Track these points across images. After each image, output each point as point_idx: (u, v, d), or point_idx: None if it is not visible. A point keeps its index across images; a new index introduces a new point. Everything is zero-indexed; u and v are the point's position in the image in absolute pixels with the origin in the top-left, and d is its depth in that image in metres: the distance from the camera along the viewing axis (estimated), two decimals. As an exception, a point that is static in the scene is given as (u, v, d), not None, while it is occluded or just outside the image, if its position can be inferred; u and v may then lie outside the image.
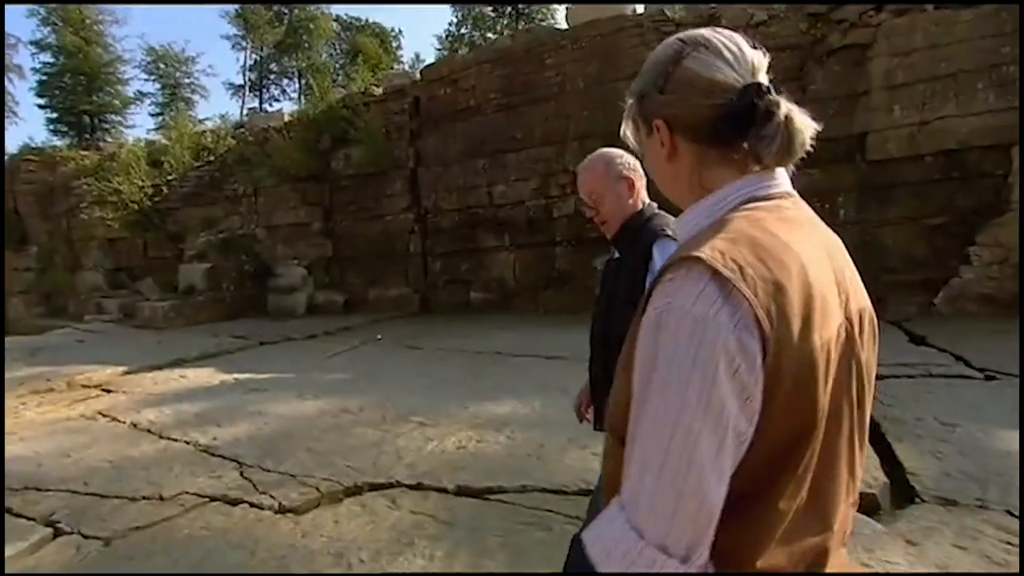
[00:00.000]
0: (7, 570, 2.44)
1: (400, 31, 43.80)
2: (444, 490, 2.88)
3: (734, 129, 0.75)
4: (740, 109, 0.74)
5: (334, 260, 10.70)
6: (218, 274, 10.16)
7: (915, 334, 5.36)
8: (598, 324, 1.75)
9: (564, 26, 8.97)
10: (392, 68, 15.69)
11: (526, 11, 20.92)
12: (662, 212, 1.68)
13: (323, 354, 6.84)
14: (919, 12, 6.01)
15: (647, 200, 1.72)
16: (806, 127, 0.76)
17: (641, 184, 1.70)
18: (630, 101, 0.86)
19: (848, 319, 0.75)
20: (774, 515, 0.70)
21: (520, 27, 13.22)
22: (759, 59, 0.79)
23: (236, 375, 5.95)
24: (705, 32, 0.79)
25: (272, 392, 5.16)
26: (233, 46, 31.54)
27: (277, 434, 3.96)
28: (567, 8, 8.63)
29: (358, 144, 9.95)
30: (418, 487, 2.93)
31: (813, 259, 0.72)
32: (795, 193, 0.80)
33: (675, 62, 0.78)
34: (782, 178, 0.79)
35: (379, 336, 7.67)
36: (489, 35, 17.82)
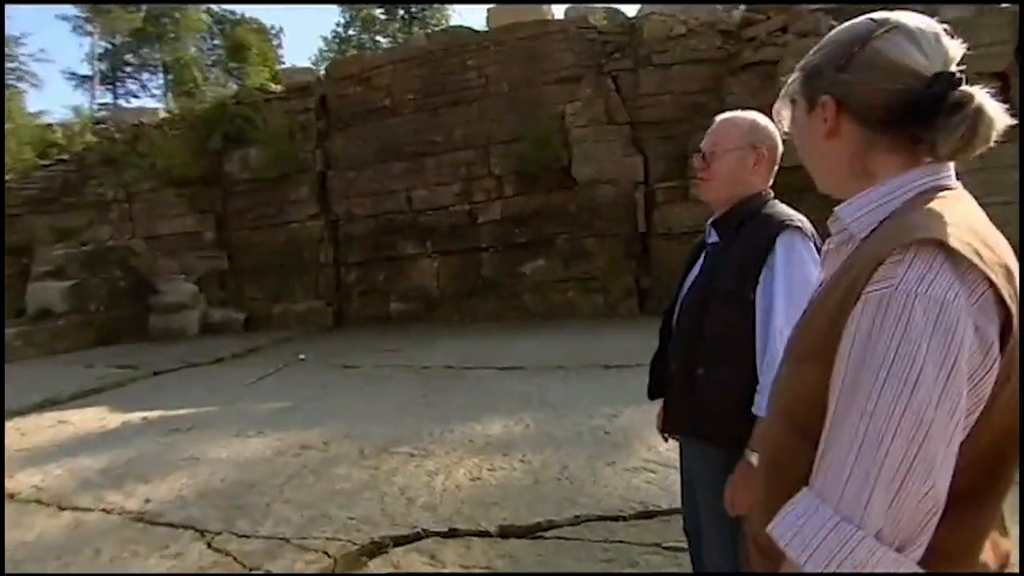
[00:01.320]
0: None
1: (281, 29, 40.92)
2: (486, 533, 2.57)
3: (914, 117, 0.73)
4: (926, 97, 0.72)
5: (230, 273, 9.55)
6: (83, 293, 8.58)
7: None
8: (686, 317, 1.53)
9: (475, 27, 8.81)
10: (282, 65, 14.44)
11: (419, 14, 20.42)
12: (782, 204, 1.52)
13: (242, 380, 6.01)
14: (815, 37, 6.65)
15: (769, 189, 1.55)
16: (995, 122, 0.71)
17: (770, 167, 1.52)
18: (793, 77, 0.85)
19: None
20: (990, 513, 0.69)
21: (415, 31, 12.84)
22: (955, 49, 0.74)
23: (141, 413, 5.00)
24: (901, 15, 0.76)
25: (199, 431, 4.39)
26: (74, 28, 27.27)
27: (235, 485, 3.34)
28: (488, 9, 8.46)
29: (257, 145, 8.97)
30: (452, 534, 2.58)
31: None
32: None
33: (863, 42, 0.75)
34: (951, 170, 0.77)
35: (302, 356, 6.93)
36: (379, 38, 17.10)
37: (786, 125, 0.89)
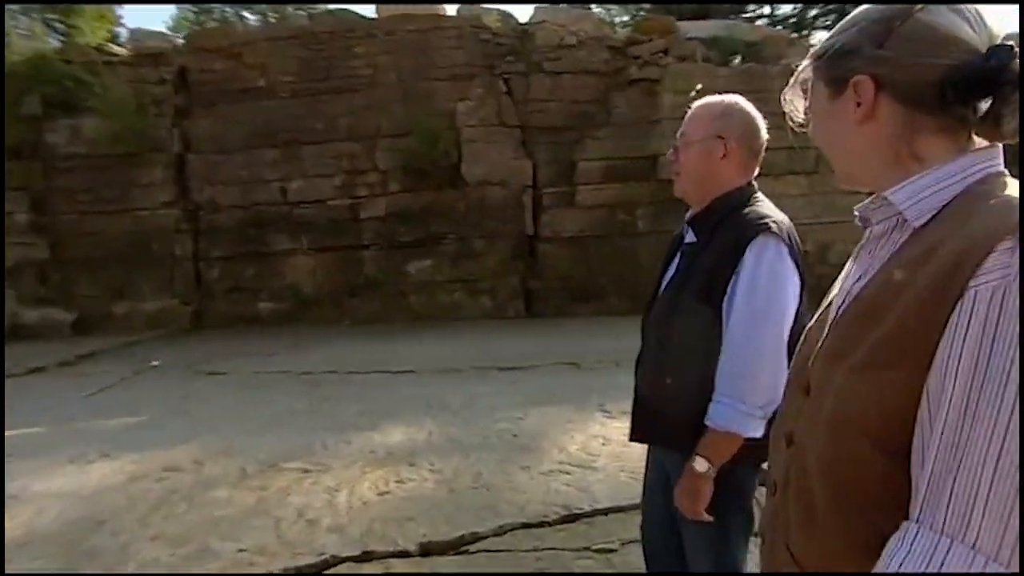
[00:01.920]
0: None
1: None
2: (405, 553, 2.35)
3: (968, 94, 0.67)
4: (985, 71, 0.65)
5: (53, 265, 8.06)
6: None
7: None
8: (655, 322, 1.47)
9: (360, 12, 8.37)
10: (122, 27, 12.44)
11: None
12: (765, 200, 1.41)
13: (77, 393, 5.06)
14: (692, 62, 7.26)
15: (753, 183, 1.44)
16: None
17: (745, 159, 1.40)
18: (809, 61, 0.79)
19: None
20: None
21: (290, 9, 11.83)
22: (996, 29, 0.70)
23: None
24: None
25: (22, 459, 3.59)
26: None
27: (78, 524, 2.75)
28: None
29: (93, 114, 7.66)
30: (367, 557, 2.34)
31: None
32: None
33: (906, 15, 0.70)
34: (1001, 154, 0.72)
35: (155, 362, 6.02)
36: (246, 14, 15.51)
37: (800, 115, 0.83)
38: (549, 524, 2.59)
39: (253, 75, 8.07)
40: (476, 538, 2.47)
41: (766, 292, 1.29)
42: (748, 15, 12.38)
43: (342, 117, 8.12)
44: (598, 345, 6.15)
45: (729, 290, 1.33)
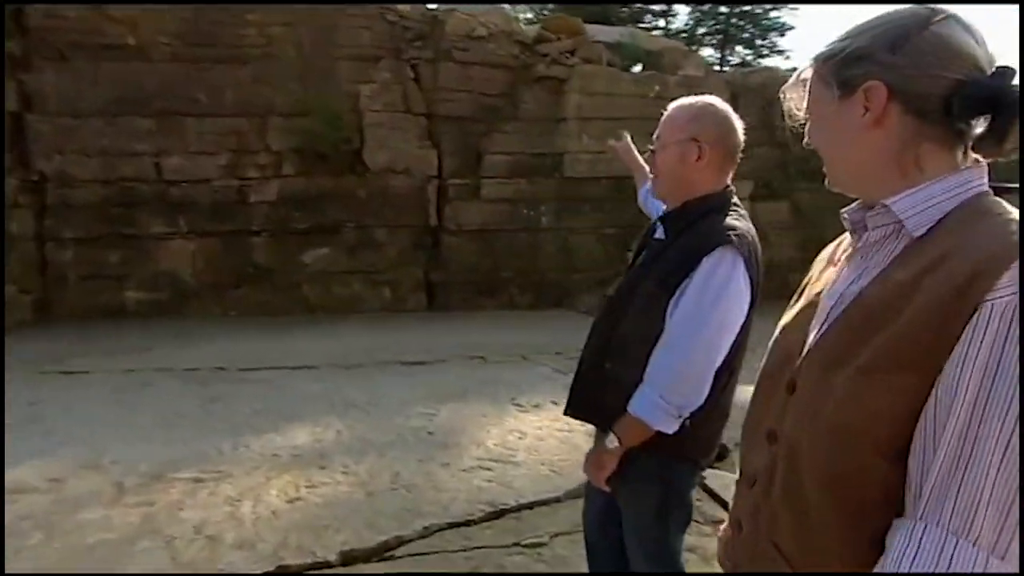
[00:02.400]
0: None
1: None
2: (326, 564, 2.20)
3: (971, 109, 0.70)
4: (990, 89, 0.69)
5: None
6: None
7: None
8: (608, 310, 1.50)
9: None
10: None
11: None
12: (740, 207, 1.44)
13: None
14: (598, 64, 7.51)
15: (730, 187, 1.46)
16: None
17: (720, 162, 1.40)
18: (807, 64, 0.81)
19: None
20: None
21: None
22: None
23: None
24: (949, 6, 0.73)
25: None
26: None
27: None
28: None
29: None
30: (283, 571, 2.15)
31: None
32: None
33: (923, 25, 0.71)
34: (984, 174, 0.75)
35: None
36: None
37: (800, 114, 0.84)
38: (476, 522, 2.55)
39: (120, 30, 7.09)
40: (401, 542, 2.37)
41: (712, 301, 1.32)
42: (645, 25, 13.09)
43: (229, 89, 7.40)
44: (504, 339, 6.19)
45: (677, 292, 1.36)
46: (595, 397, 1.48)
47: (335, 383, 4.59)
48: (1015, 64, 0.72)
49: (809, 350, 0.79)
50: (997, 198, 0.73)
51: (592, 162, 7.67)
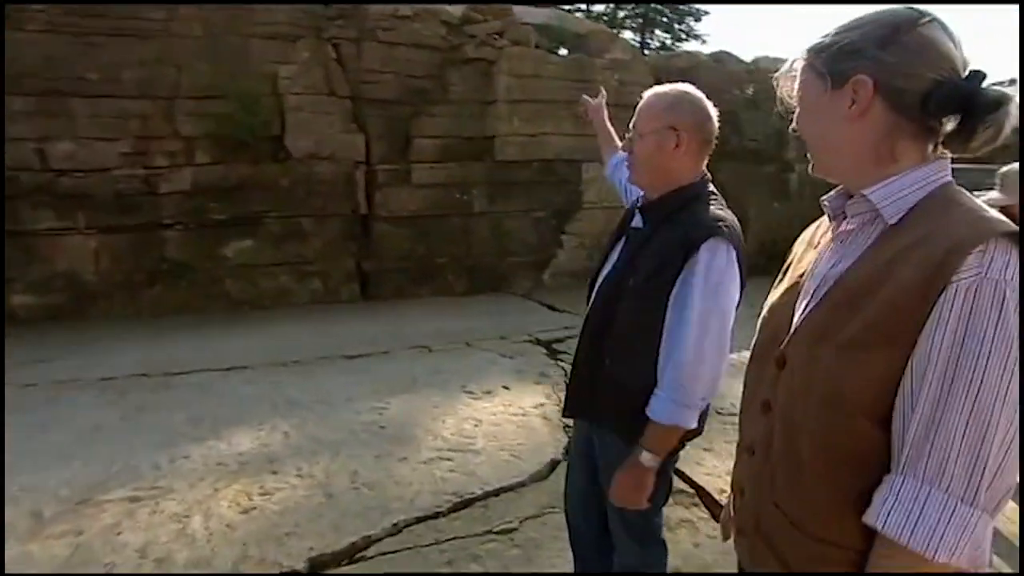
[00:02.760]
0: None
1: None
2: (295, 573, 2.10)
3: (945, 108, 0.76)
4: (963, 90, 0.75)
5: None
6: None
7: (544, 303, 6.85)
8: (599, 306, 1.50)
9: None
10: None
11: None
12: (718, 196, 1.47)
13: None
14: (527, 48, 7.48)
15: (707, 175, 1.49)
16: (1015, 125, 0.77)
17: (698, 150, 1.43)
18: (798, 56, 0.86)
19: None
20: None
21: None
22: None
23: None
24: (948, 6, 0.89)
25: None
26: None
27: None
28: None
29: None
30: (252, 586, 2.03)
31: None
32: None
33: (910, 26, 0.77)
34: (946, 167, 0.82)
35: None
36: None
37: (791, 101, 0.89)
38: (444, 514, 2.54)
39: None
40: (370, 542, 2.32)
41: (715, 294, 1.35)
42: (566, 9, 13.18)
43: (127, 68, 6.73)
44: (445, 327, 6.14)
45: (677, 288, 1.38)
46: (596, 396, 1.49)
47: (274, 382, 4.37)
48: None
49: (796, 328, 0.86)
50: (960, 187, 0.81)
51: (523, 145, 7.69)
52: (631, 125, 1.47)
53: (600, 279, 1.53)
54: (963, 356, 0.68)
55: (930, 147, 0.81)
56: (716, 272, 1.36)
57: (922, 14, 0.78)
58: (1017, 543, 1.83)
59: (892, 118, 0.78)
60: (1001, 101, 0.74)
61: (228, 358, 4.97)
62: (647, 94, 1.48)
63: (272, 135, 7.13)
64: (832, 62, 0.81)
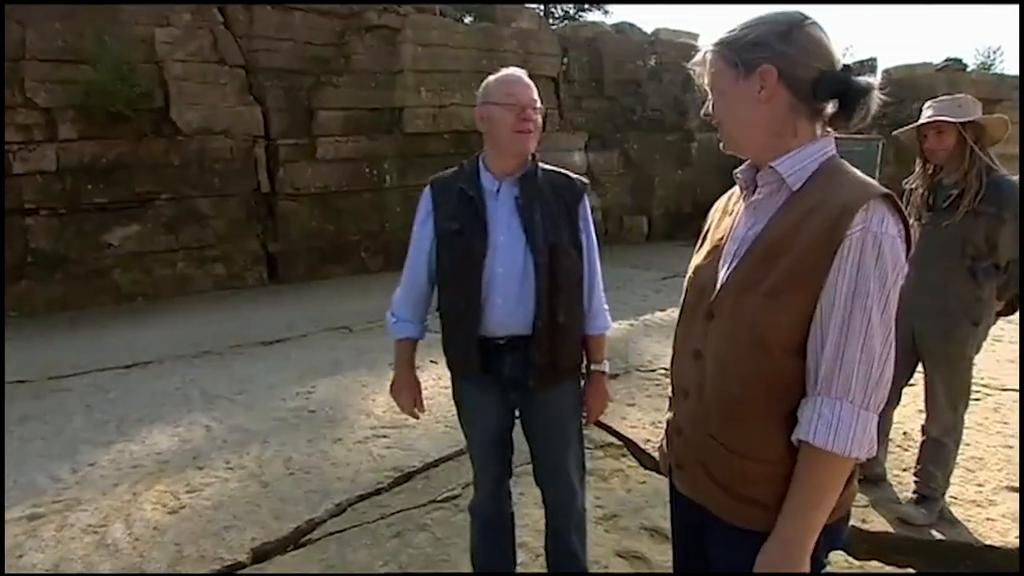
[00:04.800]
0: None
1: None
2: (239, 564, 2.06)
3: (829, 93, 0.93)
4: (841, 79, 0.92)
5: None
6: None
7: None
8: (542, 270, 1.50)
9: None
10: None
11: None
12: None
13: None
14: (431, 15, 7.28)
15: None
16: (873, 102, 0.93)
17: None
18: (725, 44, 0.97)
19: None
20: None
21: None
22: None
23: None
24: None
25: None
26: None
27: None
28: None
29: None
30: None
31: None
32: None
33: (799, 25, 0.93)
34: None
35: None
36: None
37: (701, 81, 1.02)
38: (386, 489, 2.55)
39: None
40: (314, 524, 2.29)
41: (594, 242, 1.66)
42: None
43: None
44: (363, 306, 6.00)
45: (584, 236, 1.63)
46: (557, 354, 1.61)
47: (186, 376, 4.10)
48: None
49: (723, 284, 1.01)
50: (841, 160, 0.97)
51: (433, 116, 7.54)
52: (533, 103, 1.53)
53: (500, 253, 1.54)
54: (857, 295, 0.85)
55: (819, 126, 0.96)
56: (592, 219, 1.70)
57: (806, 16, 0.94)
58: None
59: (792, 101, 0.93)
60: (869, 88, 0.91)
61: (127, 354, 4.57)
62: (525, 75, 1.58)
63: (154, 107, 6.49)
64: (742, 53, 0.94)
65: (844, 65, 0.93)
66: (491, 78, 1.57)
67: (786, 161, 0.95)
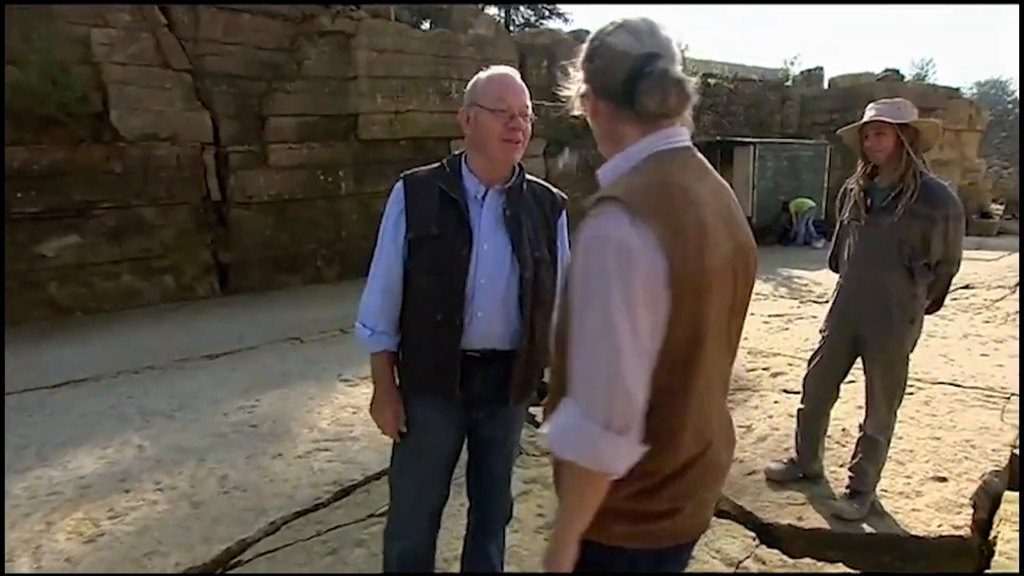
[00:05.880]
0: None
1: None
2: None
3: (632, 90, 0.90)
4: (633, 72, 0.90)
5: None
6: None
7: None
8: (527, 284, 1.44)
9: None
10: None
11: None
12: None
13: None
14: (386, 20, 7.20)
15: None
16: (686, 89, 0.92)
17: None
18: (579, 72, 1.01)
19: (734, 250, 0.93)
20: (687, 407, 0.91)
21: None
22: (672, 41, 0.95)
23: None
24: (630, 16, 0.96)
25: None
26: None
27: None
28: None
29: None
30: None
31: (706, 200, 0.91)
32: (693, 147, 0.98)
33: (601, 37, 0.95)
34: (684, 135, 0.97)
35: None
36: None
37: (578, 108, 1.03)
38: (324, 504, 2.45)
39: None
40: (245, 545, 2.17)
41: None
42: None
43: None
44: (317, 315, 5.85)
45: (560, 249, 1.60)
46: (535, 372, 1.58)
47: (123, 394, 3.88)
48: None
49: None
50: (672, 155, 0.94)
51: (389, 123, 7.44)
52: (524, 108, 1.43)
53: (483, 262, 1.48)
54: (577, 303, 0.85)
55: (648, 125, 0.94)
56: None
57: (612, 24, 0.95)
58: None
59: (613, 110, 0.95)
60: (664, 72, 0.89)
61: (59, 372, 4.32)
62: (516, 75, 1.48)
63: (92, 112, 6.20)
64: (576, 83, 1.00)
65: (639, 55, 0.91)
66: (481, 77, 1.44)
67: (606, 168, 0.98)
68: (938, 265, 2.18)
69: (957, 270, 2.23)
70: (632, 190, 0.86)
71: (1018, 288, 6.03)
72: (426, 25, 7.94)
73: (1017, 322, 4.89)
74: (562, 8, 15.51)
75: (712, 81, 11.02)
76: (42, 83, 5.74)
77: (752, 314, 5.58)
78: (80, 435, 3.23)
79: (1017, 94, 28.88)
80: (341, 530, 2.25)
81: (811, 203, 10.34)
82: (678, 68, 0.91)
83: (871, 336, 2.23)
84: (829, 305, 2.42)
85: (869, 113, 2.19)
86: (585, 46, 0.97)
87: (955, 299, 5.76)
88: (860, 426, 2.34)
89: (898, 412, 2.29)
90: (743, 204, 10.60)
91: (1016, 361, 3.84)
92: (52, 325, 5.96)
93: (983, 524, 2.26)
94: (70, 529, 2.30)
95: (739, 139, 10.53)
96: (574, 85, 1.00)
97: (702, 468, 0.96)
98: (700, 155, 0.98)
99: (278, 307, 6.41)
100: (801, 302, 6.10)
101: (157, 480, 2.68)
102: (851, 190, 2.32)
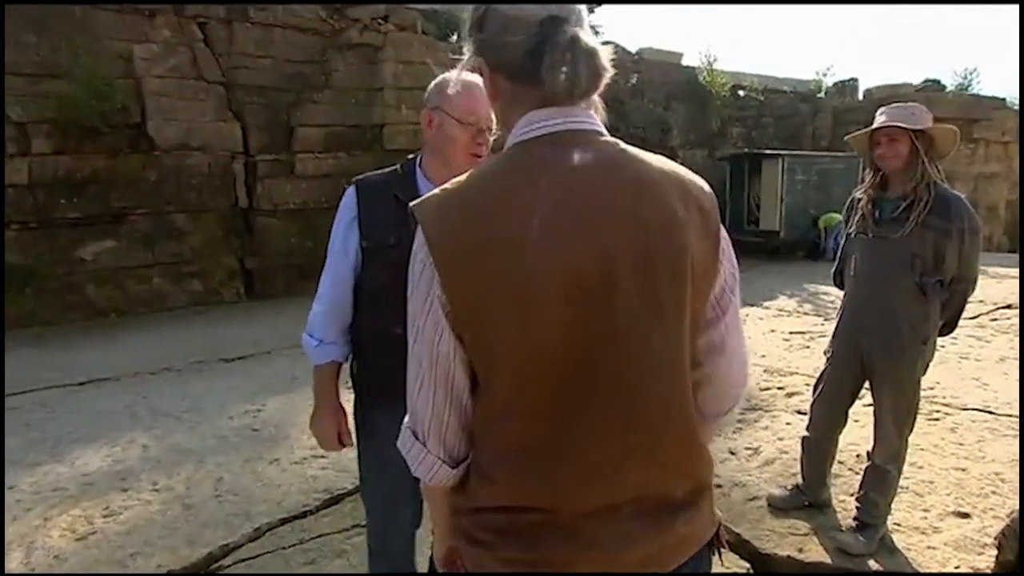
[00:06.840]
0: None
1: None
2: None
3: (537, 60, 0.72)
4: (534, 40, 0.72)
5: None
6: None
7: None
8: None
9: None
10: None
11: None
12: None
13: None
14: (413, 33, 7.32)
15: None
16: (599, 61, 0.73)
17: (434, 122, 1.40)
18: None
19: (605, 252, 0.70)
20: (511, 435, 0.75)
21: None
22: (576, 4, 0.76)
23: None
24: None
25: None
26: None
27: None
28: None
29: None
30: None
31: (544, 205, 0.70)
32: (584, 129, 0.75)
33: (488, 3, 0.76)
34: (560, 117, 0.74)
35: None
36: None
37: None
38: (312, 512, 2.44)
39: None
40: (227, 551, 2.17)
41: None
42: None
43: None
44: (336, 322, 5.91)
45: None
46: None
47: (139, 394, 4.00)
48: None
49: None
50: (514, 150, 0.76)
51: (414, 134, 7.53)
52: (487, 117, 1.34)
53: None
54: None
55: (554, 103, 0.75)
56: None
57: None
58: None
59: (511, 88, 0.77)
60: (562, 43, 0.71)
61: (82, 371, 4.48)
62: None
63: (131, 123, 6.49)
64: (474, 52, 0.79)
65: (542, 19, 0.72)
66: (450, 82, 1.33)
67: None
68: (953, 283, 2.04)
69: (973, 289, 2.08)
70: (434, 198, 0.74)
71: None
72: (453, 39, 8.01)
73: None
74: (593, 20, 15.51)
75: (742, 92, 10.82)
76: (87, 96, 6.05)
77: (772, 331, 5.39)
78: (92, 432, 3.32)
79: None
80: (324, 539, 2.24)
81: (840, 218, 9.97)
82: (588, 36, 0.73)
83: (879, 358, 2.09)
84: (834, 324, 2.29)
85: (880, 118, 2.03)
86: (472, 12, 0.78)
87: (995, 319, 5.44)
88: (868, 454, 2.20)
89: (920, 440, 2.13)
90: (770, 219, 10.13)
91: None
92: (89, 326, 6.21)
93: (1009, 567, 2.08)
94: (65, 526, 2.36)
95: (767, 151, 10.27)
96: (463, 62, 0.80)
97: (545, 526, 0.75)
98: (593, 139, 0.75)
99: (298, 313, 6.39)
100: (826, 319, 5.85)
101: (155, 480, 2.73)
102: (858, 200, 2.19)
